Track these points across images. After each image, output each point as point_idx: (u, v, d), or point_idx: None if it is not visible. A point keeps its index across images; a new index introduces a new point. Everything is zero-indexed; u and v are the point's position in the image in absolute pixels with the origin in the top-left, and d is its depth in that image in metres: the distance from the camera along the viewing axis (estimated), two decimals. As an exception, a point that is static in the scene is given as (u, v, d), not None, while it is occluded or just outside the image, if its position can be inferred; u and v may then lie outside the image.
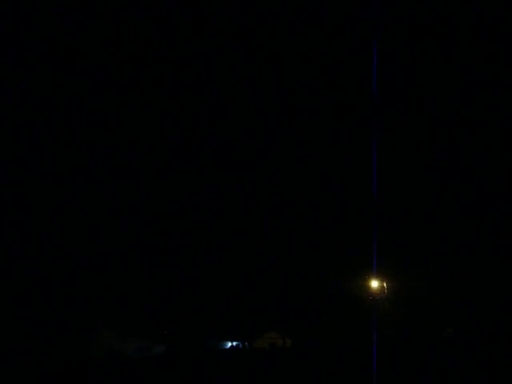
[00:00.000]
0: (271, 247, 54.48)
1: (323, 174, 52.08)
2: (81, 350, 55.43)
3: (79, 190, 51.14)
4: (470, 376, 40.14)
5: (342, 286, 54.20)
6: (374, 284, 52.88)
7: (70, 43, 48.33)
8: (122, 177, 51.51)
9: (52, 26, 46.76)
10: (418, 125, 49.14)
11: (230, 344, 61.76)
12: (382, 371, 39.22)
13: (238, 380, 45.65)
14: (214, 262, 55.34)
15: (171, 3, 47.20)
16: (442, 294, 53.25)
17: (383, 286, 53.34)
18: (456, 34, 46.11)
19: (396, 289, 53.21)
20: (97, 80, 49.01)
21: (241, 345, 61.50)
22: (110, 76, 49.24)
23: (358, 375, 40.87)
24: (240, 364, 49.47)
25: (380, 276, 51.53)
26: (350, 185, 49.59)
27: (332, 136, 50.94)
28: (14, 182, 48.38)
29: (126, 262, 54.31)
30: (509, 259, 48.49)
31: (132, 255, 54.21)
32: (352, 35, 45.63)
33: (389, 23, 43.80)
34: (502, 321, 48.52)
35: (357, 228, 48.64)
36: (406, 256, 50.52)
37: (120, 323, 58.12)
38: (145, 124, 50.30)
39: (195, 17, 46.71)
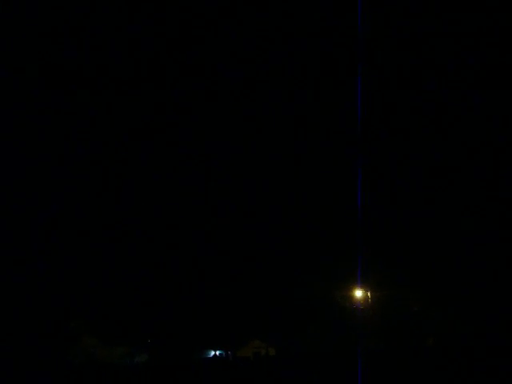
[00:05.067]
0: (256, 257, 54.66)
1: (309, 186, 52.51)
2: (63, 358, 55.09)
3: (64, 201, 50.82)
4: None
5: (326, 296, 54.60)
6: (358, 294, 53.38)
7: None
8: (110, 184, 51.36)
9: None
10: (404, 137, 49.88)
11: (213, 353, 61.76)
12: (366, 380, 39.61)
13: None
14: (199, 271, 55.38)
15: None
16: (424, 304, 53.94)
17: (367, 296, 53.89)
18: (442, 56, 47.26)
19: (379, 298, 53.75)
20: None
21: (224, 354, 61.57)
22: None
23: (342, 382, 41.18)
24: (223, 373, 49.50)
25: (364, 286, 52.03)
26: (335, 197, 50.11)
27: (320, 147, 51.44)
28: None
29: (110, 270, 54.07)
30: (492, 269, 49.28)
31: (116, 264, 53.99)
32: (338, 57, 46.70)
33: (374, 46, 45.00)
34: (484, 331, 49.26)
35: (341, 238, 49.08)
36: (390, 266, 51.06)
37: (102, 331, 57.85)
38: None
39: (190, 25, 47.02)
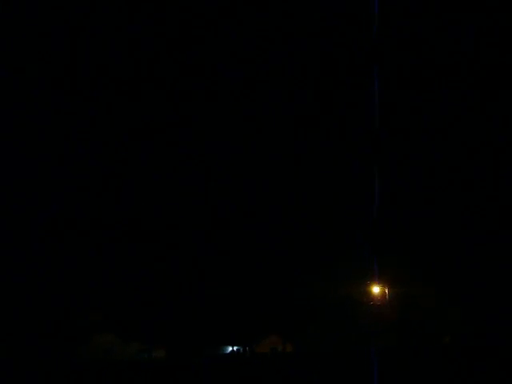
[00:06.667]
0: (273, 251, 54.35)
1: (324, 180, 51.95)
2: (79, 353, 55.46)
3: (76, 193, 50.98)
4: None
5: (344, 292, 54.15)
6: (376, 290, 52.81)
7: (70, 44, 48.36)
8: (118, 179, 51.37)
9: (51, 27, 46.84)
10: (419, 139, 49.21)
11: (230, 349, 61.63)
12: (383, 377, 39.22)
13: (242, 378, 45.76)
14: (215, 265, 55.25)
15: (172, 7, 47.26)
16: (442, 301, 53.24)
17: (384, 292, 53.25)
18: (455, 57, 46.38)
19: (398, 295, 53.14)
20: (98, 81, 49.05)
21: (242, 349, 61.40)
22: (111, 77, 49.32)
23: (358, 381, 40.82)
24: (241, 369, 49.44)
25: (382, 282, 51.46)
26: (351, 192, 49.48)
27: (334, 142, 50.85)
28: (9, 188, 48.37)
29: (125, 265, 54.22)
30: (508, 268, 48.46)
31: (131, 258, 54.12)
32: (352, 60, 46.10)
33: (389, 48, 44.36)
34: (501, 331, 48.50)
35: (358, 233, 48.61)
36: (408, 262, 50.48)
37: (119, 326, 58.10)
38: (145, 124, 50.29)
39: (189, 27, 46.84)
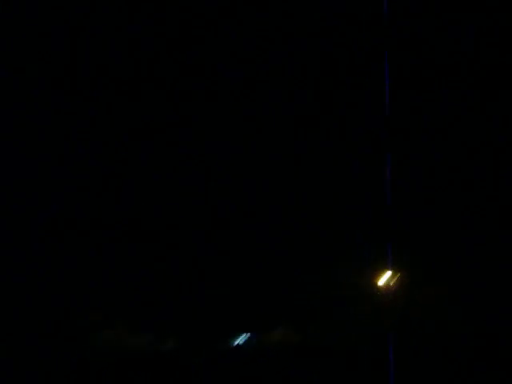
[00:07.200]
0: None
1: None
2: (88, 347, 55.82)
3: (76, 192, 51.41)
4: (469, 379, 40.91)
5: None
6: (383, 280, 53.24)
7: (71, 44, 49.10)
8: (117, 175, 51.79)
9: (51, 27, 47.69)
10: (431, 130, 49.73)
11: (238, 340, 61.92)
12: (395, 369, 40.02)
13: (248, 376, 46.20)
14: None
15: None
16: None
17: (393, 282, 53.72)
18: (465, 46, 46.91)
19: (406, 285, 53.54)
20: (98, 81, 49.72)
21: (250, 341, 61.67)
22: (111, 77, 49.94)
23: (370, 373, 41.51)
24: (249, 360, 50.01)
25: (391, 272, 51.98)
26: (361, 184, 50.11)
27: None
28: (12, 185, 48.96)
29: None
30: (509, 268, 48.81)
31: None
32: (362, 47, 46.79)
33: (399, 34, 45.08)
34: (501, 331, 48.84)
35: (367, 223, 49.19)
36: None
37: (119, 326, 58.40)
38: (145, 124, 50.76)
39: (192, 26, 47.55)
